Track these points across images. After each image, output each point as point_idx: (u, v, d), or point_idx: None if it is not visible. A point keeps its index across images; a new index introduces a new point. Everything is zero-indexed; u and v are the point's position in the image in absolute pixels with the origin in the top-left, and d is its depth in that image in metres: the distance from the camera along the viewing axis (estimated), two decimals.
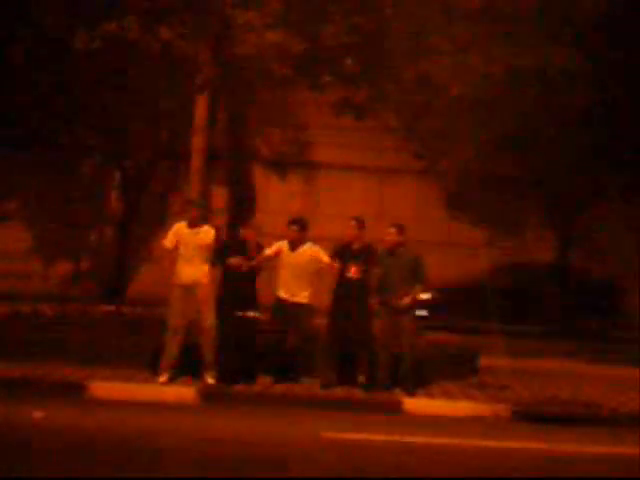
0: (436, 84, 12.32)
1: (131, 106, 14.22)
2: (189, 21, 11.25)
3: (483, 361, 10.59)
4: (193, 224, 8.95)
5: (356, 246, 9.13)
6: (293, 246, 9.13)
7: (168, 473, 6.02)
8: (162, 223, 16.13)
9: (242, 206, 15.70)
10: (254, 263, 8.97)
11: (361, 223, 9.21)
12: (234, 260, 8.93)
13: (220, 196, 15.93)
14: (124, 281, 16.06)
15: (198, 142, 11.60)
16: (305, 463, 6.36)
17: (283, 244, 9.19)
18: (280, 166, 16.64)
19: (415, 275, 9.07)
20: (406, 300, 8.93)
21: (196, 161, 11.43)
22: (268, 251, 9.14)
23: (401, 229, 9.17)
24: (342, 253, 9.12)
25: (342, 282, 9.06)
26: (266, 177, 16.44)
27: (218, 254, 8.99)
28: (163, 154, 15.76)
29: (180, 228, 8.99)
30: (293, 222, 9.20)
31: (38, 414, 7.29)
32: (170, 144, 15.33)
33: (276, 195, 16.50)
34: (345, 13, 11.69)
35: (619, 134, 14.51)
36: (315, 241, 9.30)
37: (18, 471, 5.71)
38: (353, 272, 9.00)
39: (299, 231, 9.14)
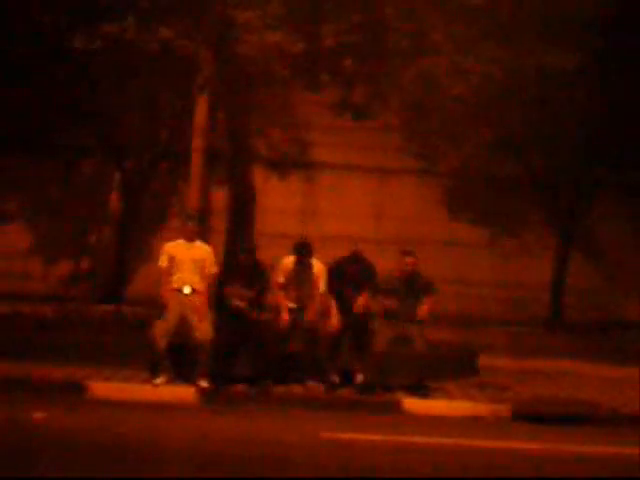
0: (436, 84, 12.31)
1: (131, 106, 14.21)
2: (189, 21, 11.25)
3: (483, 361, 10.59)
4: (188, 238, 9.01)
5: (352, 269, 9.21)
6: (302, 262, 9.15)
7: (168, 473, 6.02)
8: (162, 223, 16.17)
9: (242, 206, 15.69)
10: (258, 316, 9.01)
11: (414, 256, 9.22)
12: (239, 304, 8.95)
13: (220, 196, 15.92)
14: (124, 281, 16.04)
15: (198, 142, 11.61)
16: (305, 463, 6.35)
17: (289, 261, 9.20)
18: (280, 166, 16.62)
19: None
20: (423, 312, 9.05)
21: (196, 161, 11.44)
22: (280, 279, 9.17)
23: (415, 256, 9.23)
24: (338, 275, 9.18)
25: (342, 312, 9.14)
26: (266, 177, 16.41)
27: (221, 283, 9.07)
28: (163, 154, 15.76)
29: (172, 246, 9.03)
30: (301, 247, 9.18)
31: (38, 414, 7.29)
32: (170, 144, 15.32)
33: (276, 195, 16.48)
34: (345, 13, 11.69)
35: (619, 134, 14.50)
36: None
37: (18, 471, 5.71)
38: (357, 305, 9.13)
39: (308, 256, 9.15)
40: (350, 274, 9.23)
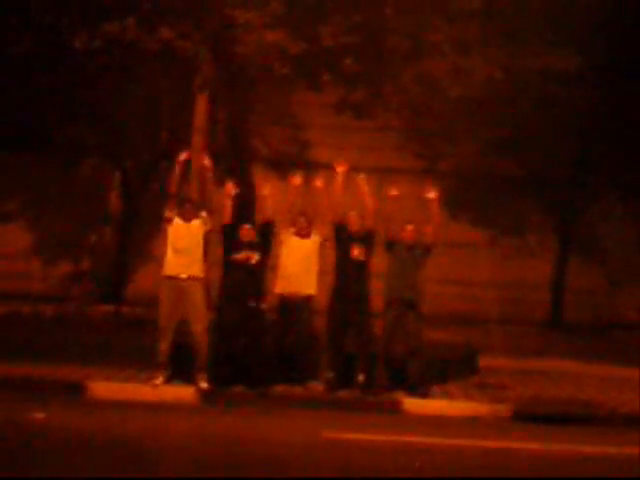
0: (436, 84, 12.30)
1: (131, 106, 14.21)
2: (189, 21, 11.24)
3: (483, 361, 10.60)
4: (186, 217, 8.91)
5: (357, 229, 9.12)
6: (302, 236, 9.14)
7: (168, 473, 6.02)
8: (162, 223, 16.16)
9: (242, 206, 15.67)
10: (258, 257, 8.91)
11: (359, 216, 9.24)
12: (241, 255, 8.88)
13: (220, 196, 15.91)
14: (124, 281, 16.04)
15: (198, 142, 11.59)
16: (305, 463, 6.36)
17: (289, 232, 9.18)
18: (280, 166, 16.61)
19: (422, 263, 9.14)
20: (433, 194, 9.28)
21: (196, 161, 11.42)
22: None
23: (417, 227, 9.23)
24: (341, 235, 9.09)
25: (344, 264, 8.96)
26: (266, 177, 16.41)
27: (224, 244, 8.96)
28: (163, 154, 15.75)
29: (174, 223, 8.91)
30: (301, 214, 9.27)
31: (38, 414, 7.29)
32: (170, 144, 15.31)
33: (276, 195, 16.46)
34: (345, 13, 11.67)
35: (620, 134, 14.51)
36: None
37: (18, 471, 5.71)
38: (357, 253, 8.93)
39: (307, 223, 9.19)
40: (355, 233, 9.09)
